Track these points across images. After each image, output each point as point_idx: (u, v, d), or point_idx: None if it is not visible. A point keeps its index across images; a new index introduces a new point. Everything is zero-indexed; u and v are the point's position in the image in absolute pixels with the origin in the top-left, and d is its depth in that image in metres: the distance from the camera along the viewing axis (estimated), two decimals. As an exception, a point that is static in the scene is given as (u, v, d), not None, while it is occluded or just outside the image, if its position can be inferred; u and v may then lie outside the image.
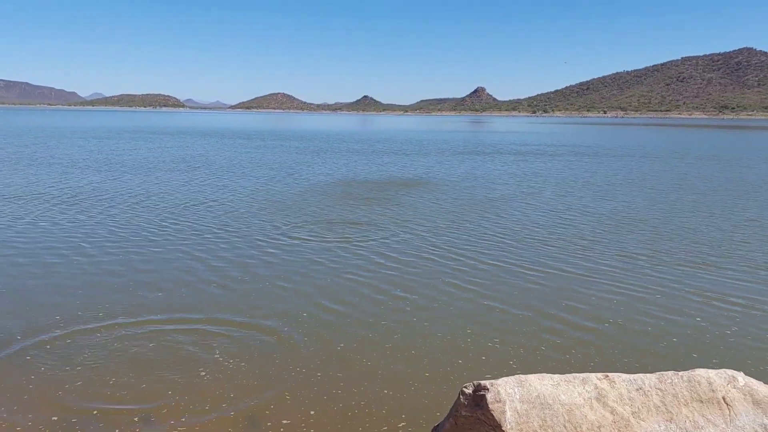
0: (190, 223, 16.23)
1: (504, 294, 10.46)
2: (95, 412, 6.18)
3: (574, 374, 4.37)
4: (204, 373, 7.13)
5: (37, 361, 7.32)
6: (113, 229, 15.40)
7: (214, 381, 6.95)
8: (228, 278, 11.07)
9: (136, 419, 6.06)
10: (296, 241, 14.20)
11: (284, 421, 6.08)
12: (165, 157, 37.99)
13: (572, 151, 52.84)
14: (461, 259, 12.85)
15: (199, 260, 12.37)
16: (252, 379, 7.00)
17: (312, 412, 6.27)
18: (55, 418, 6.04)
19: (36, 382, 6.80)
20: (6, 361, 7.33)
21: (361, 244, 14.09)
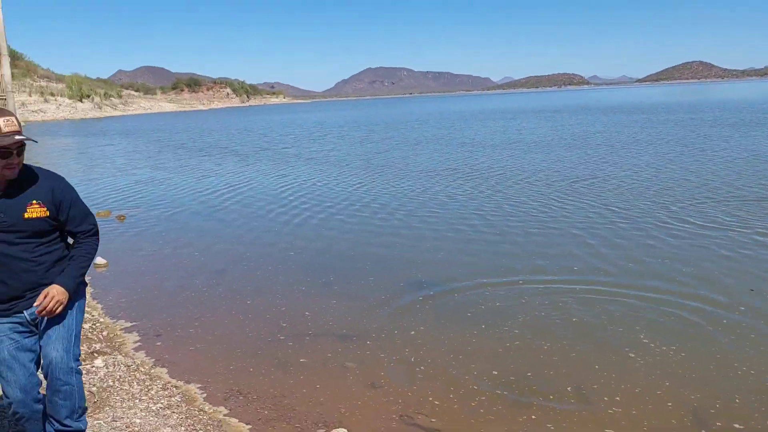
0: (586, 201, 15.81)
1: None
2: (529, 374, 6.54)
3: None
4: (633, 355, 6.85)
5: (478, 318, 8.15)
6: (511, 202, 16.09)
7: (644, 364, 6.62)
8: (639, 260, 10.34)
9: (569, 389, 6.18)
10: (705, 228, 12.37)
11: (735, 425, 5.37)
12: (563, 135, 38.05)
13: None
14: None
15: (598, 237, 11.94)
16: (689, 371, 6.41)
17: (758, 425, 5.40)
18: (495, 373, 6.59)
19: (478, 336, 7.58)
20: (454, 315, 8.35)
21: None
